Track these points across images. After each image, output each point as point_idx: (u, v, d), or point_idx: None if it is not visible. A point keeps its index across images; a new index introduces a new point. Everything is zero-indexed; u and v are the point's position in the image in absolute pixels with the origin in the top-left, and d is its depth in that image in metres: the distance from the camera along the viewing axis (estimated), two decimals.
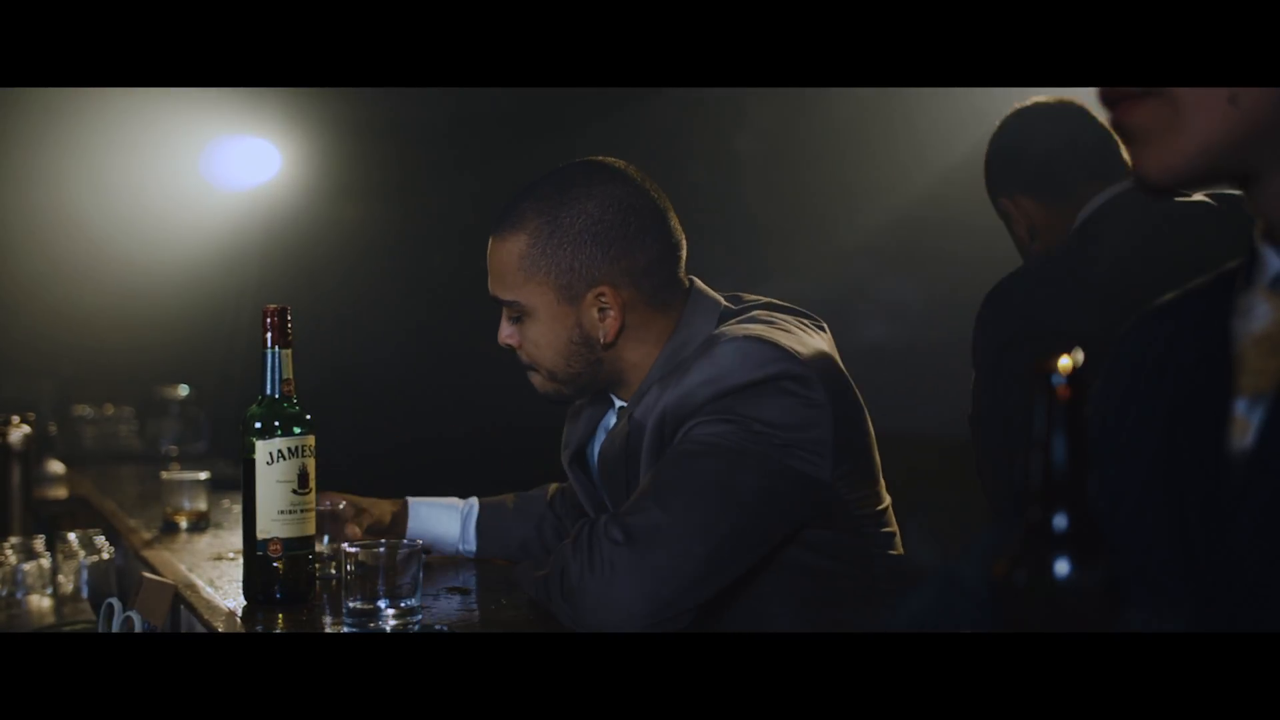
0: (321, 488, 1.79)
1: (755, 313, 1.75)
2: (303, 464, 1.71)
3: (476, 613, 1.71)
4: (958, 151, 3.69)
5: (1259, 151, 0.85)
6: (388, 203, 4.98)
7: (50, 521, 2.89)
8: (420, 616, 1.60)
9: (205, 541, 2.31)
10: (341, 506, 1.94)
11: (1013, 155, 2.43)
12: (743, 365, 1.62)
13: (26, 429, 2.78)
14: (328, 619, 1.66)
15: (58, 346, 4.61)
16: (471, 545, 2.04)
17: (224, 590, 1.82)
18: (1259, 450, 0.87)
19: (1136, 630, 0.80)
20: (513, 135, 4.71)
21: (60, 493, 3.32)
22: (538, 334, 1.75)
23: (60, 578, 2.32)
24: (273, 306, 1.72)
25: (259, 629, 1.64)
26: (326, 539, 1.90)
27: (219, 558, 2.11)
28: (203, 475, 2.51)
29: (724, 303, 1.79)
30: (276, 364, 1.72)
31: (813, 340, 1.71)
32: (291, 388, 1.73)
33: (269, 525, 1.70)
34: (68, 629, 2.11)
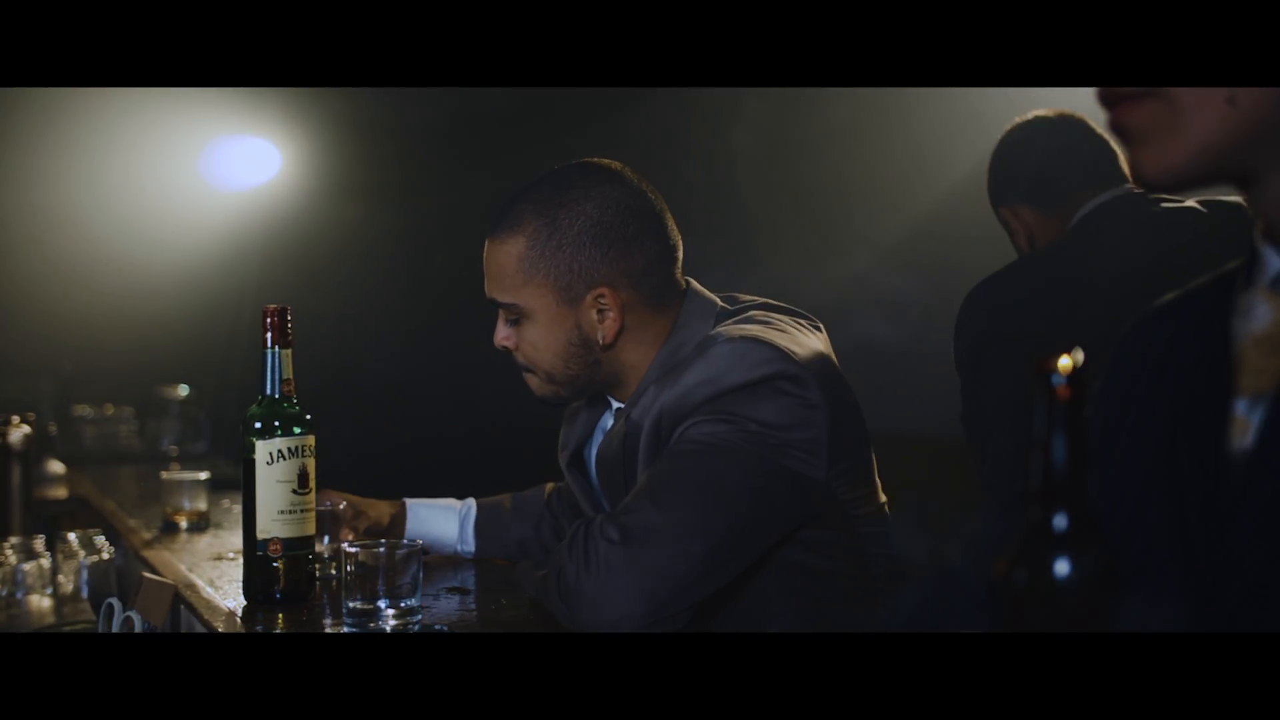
0: (321, 488, 1.79)
1: (751, 313, 1.75)
2: (303, 464, 1.71)
3: (475, 613, 1.71)
4: (956, 150, 3.70)
5: (1257, 152, 0.85)
6: (388, 203, 4.97)
7: (50, 521, 2.89)
8: (420, 616, 1.60)
9: (205, 541, 2.31)
10: (342, 507, 1.94)
11: (1012, 167, 2.48)
12: (739, 366, 1.62)
13: (26, 429, 2.78)
14: (328, 619, 1.67)
15: (58, 346, 4.60)
16: (470, 546, 2.05)
17: (224, 590, 1.82)
18: (1259, 450, 0.87)
19: (1136, 630, 0.80)
20: (513, 135, 4.71)
21: (60, 493, 3.32)
22: (536, 336, 1.74)
23: (60, 578, 2.32)
24: (273, 306, 1.72)
25: (259, 629, 1.64)
26: (326, 539, 1.90)
27: (219, 558, 2.11)
28: (203, 475, 2.51)
29: (720, 303, 1.79)
30: (276, 364, 1.72)
31: (809, 340, 1.71)
32: (291, 388, 1.73)
33: (269, 525, 1.70)
34: (68, 629, 2.11)
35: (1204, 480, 0.90)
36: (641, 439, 1.68)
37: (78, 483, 3.35)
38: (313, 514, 1.73)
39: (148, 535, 2.39)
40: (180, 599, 1.80)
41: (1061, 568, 0.74)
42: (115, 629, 1.79)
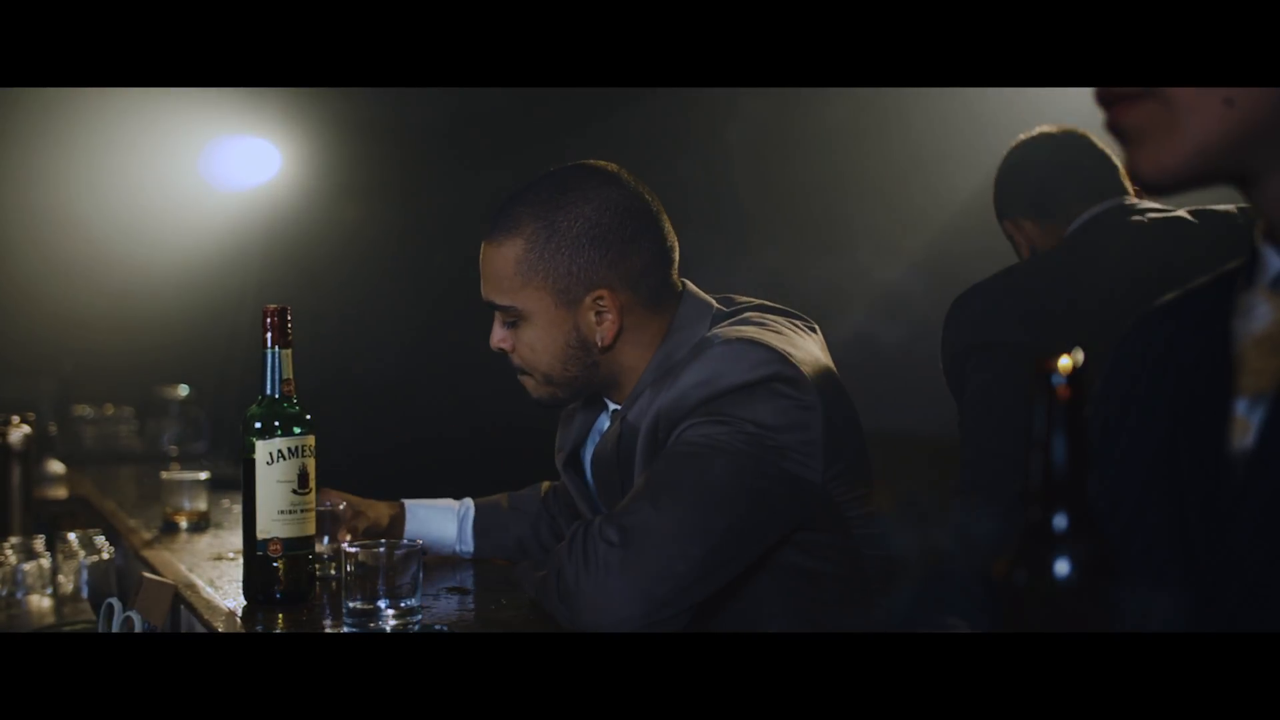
0: (321, 488, 1.79)
1: (747, 314, 1.75)
2: (303, 464, 1.71)
3: (475, 613, 1.71)
4: (953, 149, 3.70)
5: (1256, 152, 0.85)
6: (388, 203, 4.97)
7: (50, 521, 2.89)
8: (420, 616, 1.60)
9: (205, 541, 2.31)
10: (341, 507, 1.94)
11: (1014, 183, 2.53)
12: (735, 367, 1.62)
13: (26, 429, 2.78)
14: (328, 619, 1.67)
15: (58, 347, 4.61)
16: (469, 546, 2.05)
17: (224, 590, 1.83)
18: (1259, 450, 0.87)
19: (1136, 630, 0.80)
20: (513, 135, 4.71)
21: (60, 493, 3.32)
22: (534, 338, 1.74)
23: (60, 578, 2.32)
24: (273, 306, 1.72)
25: (259, 629, 1.64)
26: (326, 539, 1.91)
27: (219, 558, 2.11)
28: (203, 475, 2.51)
29: (716, 305, 1.79)
30: (276, 364, 1.72)
31: (804, 342, 1.71)
32: (291, 388, 1.73)
33: (269, 525, 1.70)
34: (68, 629, 2.11)
35: (1204, 480, 0.90)
36: (638, 441, 1.68)
37: (78, 483, 3.35)
38: (313, 514, 1.73)
39: (148, 535, 2.39)
40: (180, 599, 1.81)
41: (1061, 568, 0.74)
42: (115, 629, 1.79)
